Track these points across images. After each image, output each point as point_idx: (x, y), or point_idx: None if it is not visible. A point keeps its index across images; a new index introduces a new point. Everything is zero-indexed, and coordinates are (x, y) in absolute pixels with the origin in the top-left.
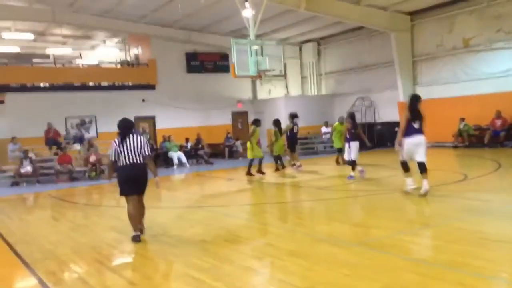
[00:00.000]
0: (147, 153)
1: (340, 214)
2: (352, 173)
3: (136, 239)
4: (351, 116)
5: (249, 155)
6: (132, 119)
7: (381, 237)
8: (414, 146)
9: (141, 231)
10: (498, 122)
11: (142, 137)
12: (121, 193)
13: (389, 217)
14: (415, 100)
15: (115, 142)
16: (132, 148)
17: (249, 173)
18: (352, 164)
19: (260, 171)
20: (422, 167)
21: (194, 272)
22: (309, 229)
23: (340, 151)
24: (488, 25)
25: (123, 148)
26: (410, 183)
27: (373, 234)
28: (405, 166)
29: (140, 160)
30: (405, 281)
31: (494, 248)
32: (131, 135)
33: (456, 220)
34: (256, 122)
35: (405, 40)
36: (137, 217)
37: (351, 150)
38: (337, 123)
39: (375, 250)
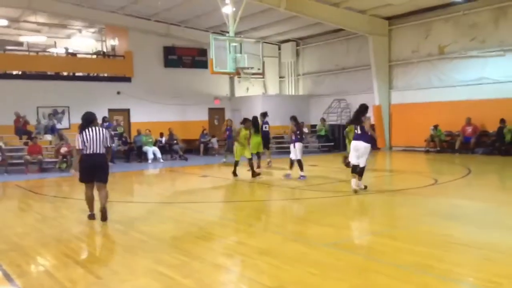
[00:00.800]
0: (109, 144)
1: (312, 214)
2: (301, 173)
3: (91, 217)
4: (294, 118)
5: (236, 156)
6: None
7: (351, 238)
8: (355, 150)
9: (105, 217)
10: (469, 129)
11: (105, 130)
12: (81, 180)
13: (360, 218)
14: (359, 109)
15: (79, 133)
16: (95, 139)
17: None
18: (299, 163)
19: (234, 172)
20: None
21: (163, 268)
22: (280, 228)
23: None
24: (463, 33)
25: (87, 139)
26: (353, 183)
27: (343, 235)
28: (351, 167)
29: (101, 151)
30: (372, 282)
31: (460, 252)
32: (94, 127)
33: (425, 223)
34: (246, 123)
35: (382, 44)
36: (92, 201)
37: (296, 151)
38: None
39: (345, 250)
